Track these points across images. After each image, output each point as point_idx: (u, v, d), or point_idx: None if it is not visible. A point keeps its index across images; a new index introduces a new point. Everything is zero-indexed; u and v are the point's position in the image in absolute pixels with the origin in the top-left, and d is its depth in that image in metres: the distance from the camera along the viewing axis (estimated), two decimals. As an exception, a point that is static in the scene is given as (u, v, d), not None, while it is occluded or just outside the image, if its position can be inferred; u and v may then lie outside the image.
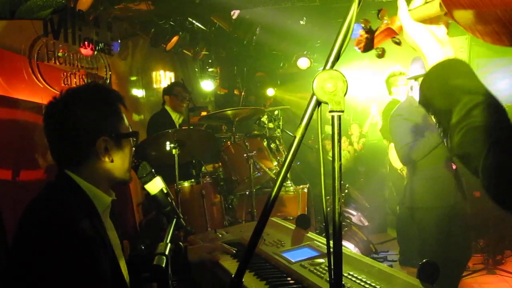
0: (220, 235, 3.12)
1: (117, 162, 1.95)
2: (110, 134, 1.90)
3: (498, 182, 1.11)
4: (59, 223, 1.68)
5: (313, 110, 1.22)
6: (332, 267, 1.20)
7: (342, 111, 1.19)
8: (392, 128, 4.20)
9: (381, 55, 1.56)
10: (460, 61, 1.30)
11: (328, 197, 1.22)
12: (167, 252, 1.70)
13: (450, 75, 1.28)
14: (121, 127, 1.96)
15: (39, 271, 1.61)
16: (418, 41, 1.38)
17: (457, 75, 1.27)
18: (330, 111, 1.19)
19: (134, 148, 2.07)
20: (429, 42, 1.35)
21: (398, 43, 1.54)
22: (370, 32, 1.55)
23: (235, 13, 7.33)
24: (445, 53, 1.33)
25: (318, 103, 1.22)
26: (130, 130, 2.04)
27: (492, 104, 1.19)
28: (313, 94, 1.20)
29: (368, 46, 1.57)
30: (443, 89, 1.27)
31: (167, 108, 5.93)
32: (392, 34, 1.51)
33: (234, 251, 2.65)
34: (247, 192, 5.33)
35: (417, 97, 4.07)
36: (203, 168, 5.97)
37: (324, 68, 1.22)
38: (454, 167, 4.07)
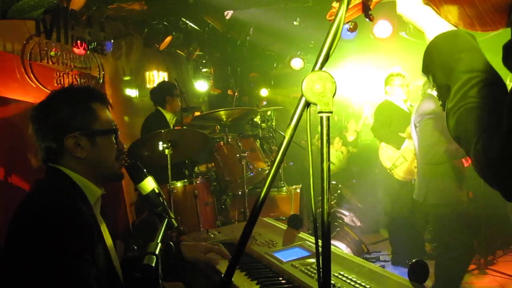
0: (212, 235, 3.12)
1: (93, 158, 2.00)
2: (80, 131, 1.96)
3: (488, 168, 1.10)
4: (60, 205, 1.74)
5: (302, 111, 1.23)
6: (321, 267, 1.21)
7: (331, 112, 1.20)
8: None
9: (353, 29, 1.55)
10: (465, 33, 1.26)
11: (319, 198, 1.23)
12: (157, 252, 1.71)
13: (452, 48, 1.24)
14: (94, 124, 2.01)
15: (38, 254, 1.65)
16: (416, 14, 1.34)
17: (460, 49, 1.23)
18: (319, 112, 1.19)
19: (117, 145, 2.09)
20: (429, 13, 1.32)
21: (371, 19, 1.53)
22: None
23: (229, 14, 7.33)
24: (446, 25, 1.29)
25: (307, 104, 1.23)
26: (113, 126, 2.08)
27: (490, 84, 1.16)
28: (302, 95, 1.21)
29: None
30: (444, 63, 1.24)
31: (161, 109, 5.91)
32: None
33: (230, 256, 2.56)
34: (239, 192, 5.33)
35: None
36: (196, 168, 5.97)
37: (313, 69, 1.22)
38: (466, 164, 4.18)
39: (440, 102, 1.30)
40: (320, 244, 1.21)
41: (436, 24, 1.31)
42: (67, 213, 1.72)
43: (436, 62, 1.27)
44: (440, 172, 4.18)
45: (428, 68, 1.31)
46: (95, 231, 1.82)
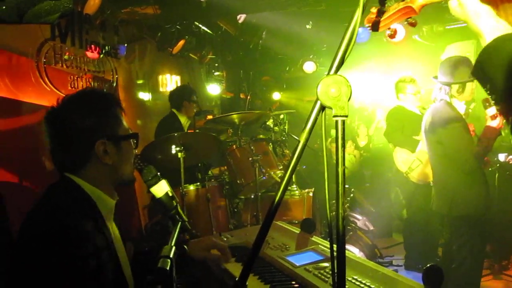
0: (225, 239, 3.12)
1: (117, 164, 1.99)
2: (108, 137, 1.94)
3: None
4: (62, 227, 1.70)
5: (317, 115, 1.23)
6: (336, 271, 1.21)
7: (346, 116, 1.19)
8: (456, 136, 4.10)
9: (393, 35, 1.51)
10: None
11: (333, 202, 1.22)
12: (171, 255, 1.70)
13: None
14: (119, 130, 2.00)
15: (40, 272, 1.64)
16: (475, 13, 1.29)
17: None
18: (334, 116, 1.19)
19: (136, 150, 2.10)
20: (488, 14, 1.27)
21: (413, 25, 1.50)
22: (382, 11, 1.50)
23: (241, 17, 7.35)
24: (506, 27, 1.25)
25: (322, 108, 1.22)
26: (130, 132, 2.07)
27: None
28: (317, 99, 1.21)
29: (377, 24, 1.52)
30: (508, 66, 1.19)
31: (176, 112, 5.91)
32: (410, 13, 1.45)
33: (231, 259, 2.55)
34: (252, 196, 5.33)
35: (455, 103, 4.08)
36: (210, 172, 5.97)
37: (328, 73, 1.22)
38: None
39: (497, 107, 1.26)
40: (334, 248, 1.21)
41: (494, 25, 1.26)
42: (70, 233, 1.69)
43: (497, 65, 1.22)
44: (469, 181, 4.08)
45: (484, 70, 1.26)
46: (100, 244, 1.79)
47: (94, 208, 1.89)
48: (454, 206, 4.10)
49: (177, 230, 2.01)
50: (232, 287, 1.29)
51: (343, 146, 1.20)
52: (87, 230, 1.74)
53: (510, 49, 1.21)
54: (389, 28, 1.50)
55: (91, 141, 1.90)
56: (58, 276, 1.64)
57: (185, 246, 2.01)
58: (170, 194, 2.10)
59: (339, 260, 1.19)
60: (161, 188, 2.09)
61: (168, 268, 1.63)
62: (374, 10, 1.48)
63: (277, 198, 1.24)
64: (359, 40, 7.03)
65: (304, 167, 8.21)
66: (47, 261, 1.64)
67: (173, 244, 1.81)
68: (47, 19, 3.60)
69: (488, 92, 1.27)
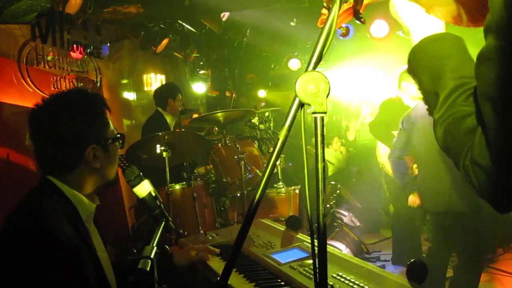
0: (211, 237, 3.11)
1: (105, 167, 1.96)
2: (98, 141, 1.91)
3: (477, 181, 1.03)
4: (41, 231, 1.67)
5: (296, 111, 1.22)
6: (317, 268, 1.20)
7: (325, 113, 1.19)
8: None
9: (345, 34, 1.54)
10: (453, 37, 1.22)
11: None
12: (152, 256, 1.69)
13: (440, 53, 1.20)
14: (107, 133, 1.97)
15: (19, 276, 1.61)
16: (404, 12, 1.32)
17: (447, 54, 1.18)
18: (313, 113, 1.19)
19: (119, 150, 2.08)
20: (416, 12, 1.29)
21: (363, 22, 1.52)
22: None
23: (225, 15, 7.32)
24: (435, 28, 1.26)
25: (301, 105, 1.22)
26: (116, 132, 2.04)
27: None
28: (295, 96, 1.20)
29: (358, 13, 1.54)
30: (431, 68, 1.20)
31: (161, 110, 5.89)
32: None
33: (218, 251, 2.65)
34: (238, 194, 5.32)
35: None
36: (196, 171, 5.96)
37: (306, 70, 1.22)
38: None
39: (427, 107, 1.27)
40: (316, 244, 1.20)
41: (423, 24, 1.28)
42: (48, 235, 1.65)
43: (423, 67, 1.24)
44: None
45: (413, 72, 1.28)
46: (81, 248, 1.75)
47: (74, 212, 1.86)
48: (472, 201, 4.06)
49: (160, 230, 2.00)
50: (215, 285, 1.28)
51: (323, 142, 1.19)
52: (67, 234, 1.70)
53: (434, 50, 1.22)
54: (340, 28, 1.53)
55: (82, 147, 1.87)
56: (37, 280, 1.61)
57: (167, 247, 2.00)
58: (153, 194, 2.10)
59: (320, 255, 1.19)
60: (144, 188, 2.08)
61: (148, 269, 1.62)
62: (325, 11, 1.50)
63: (257, 196, 1.23)
64: (343, 37, 7.05)
65: (290, 164, 8.22)
66: (27, 265, 1.61)
67: (155, 244, 1.80)
68: (24, 19, 3.56)
69: (420, 92, 1.28)
